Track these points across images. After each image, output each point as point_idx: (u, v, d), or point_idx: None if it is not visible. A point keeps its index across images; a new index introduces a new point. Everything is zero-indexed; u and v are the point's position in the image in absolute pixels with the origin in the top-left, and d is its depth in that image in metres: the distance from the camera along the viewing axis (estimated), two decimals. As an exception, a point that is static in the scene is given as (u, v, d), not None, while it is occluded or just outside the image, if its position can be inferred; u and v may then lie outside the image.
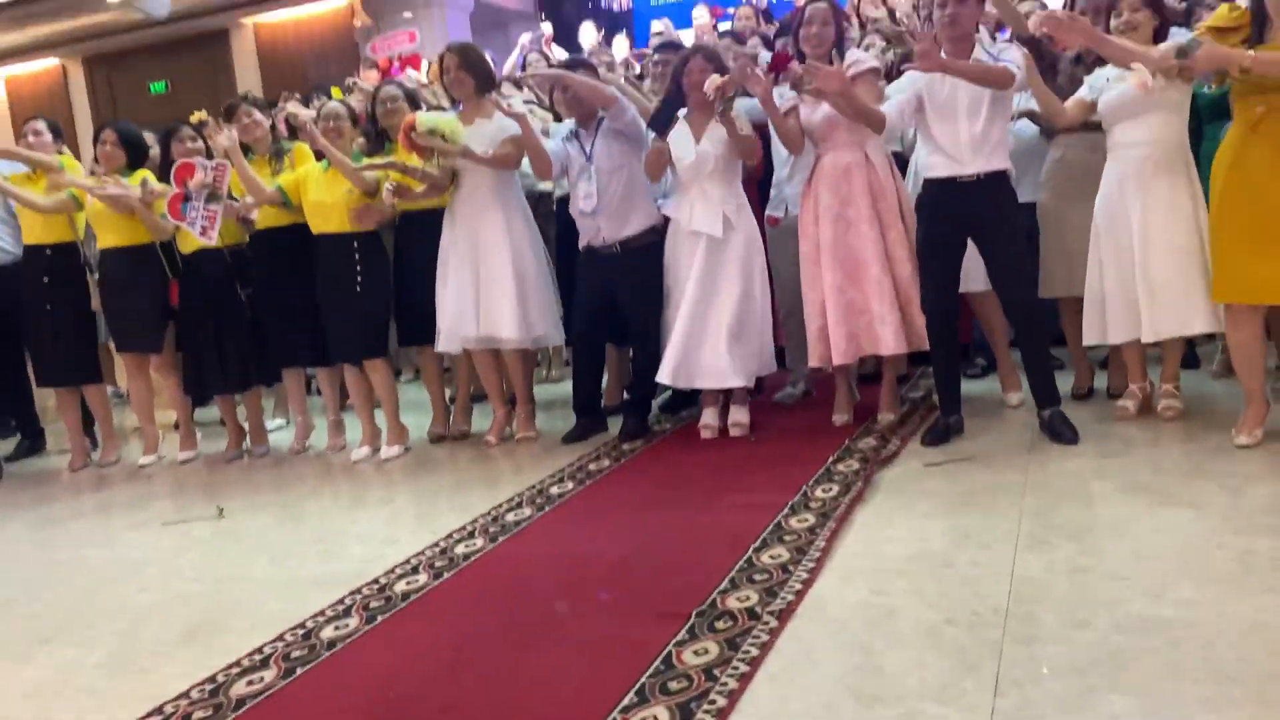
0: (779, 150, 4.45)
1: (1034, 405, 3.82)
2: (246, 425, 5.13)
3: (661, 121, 4.19)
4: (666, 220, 4.39)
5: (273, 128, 4.94)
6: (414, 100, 4.80)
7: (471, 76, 4.45)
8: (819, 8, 4.02)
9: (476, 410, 5.05)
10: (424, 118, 4.28)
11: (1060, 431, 3.66)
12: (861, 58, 4.08)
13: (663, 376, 4.24)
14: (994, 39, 4.11)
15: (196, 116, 4.78)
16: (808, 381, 4.75)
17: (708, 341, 4.15)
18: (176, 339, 5.00)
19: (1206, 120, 4.05)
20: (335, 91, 5.74)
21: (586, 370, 4.61)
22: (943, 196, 3.76)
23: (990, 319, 4.27)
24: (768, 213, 4.59)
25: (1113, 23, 3.70)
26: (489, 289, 4.42)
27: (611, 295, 4.39)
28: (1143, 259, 3.63)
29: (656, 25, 7.56)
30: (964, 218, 3.75)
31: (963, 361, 4.68)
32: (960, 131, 3.69)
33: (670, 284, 4.29)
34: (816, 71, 3.69)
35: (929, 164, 3.83)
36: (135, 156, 4.97)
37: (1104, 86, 3.74)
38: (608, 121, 4.32)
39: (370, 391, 4.79)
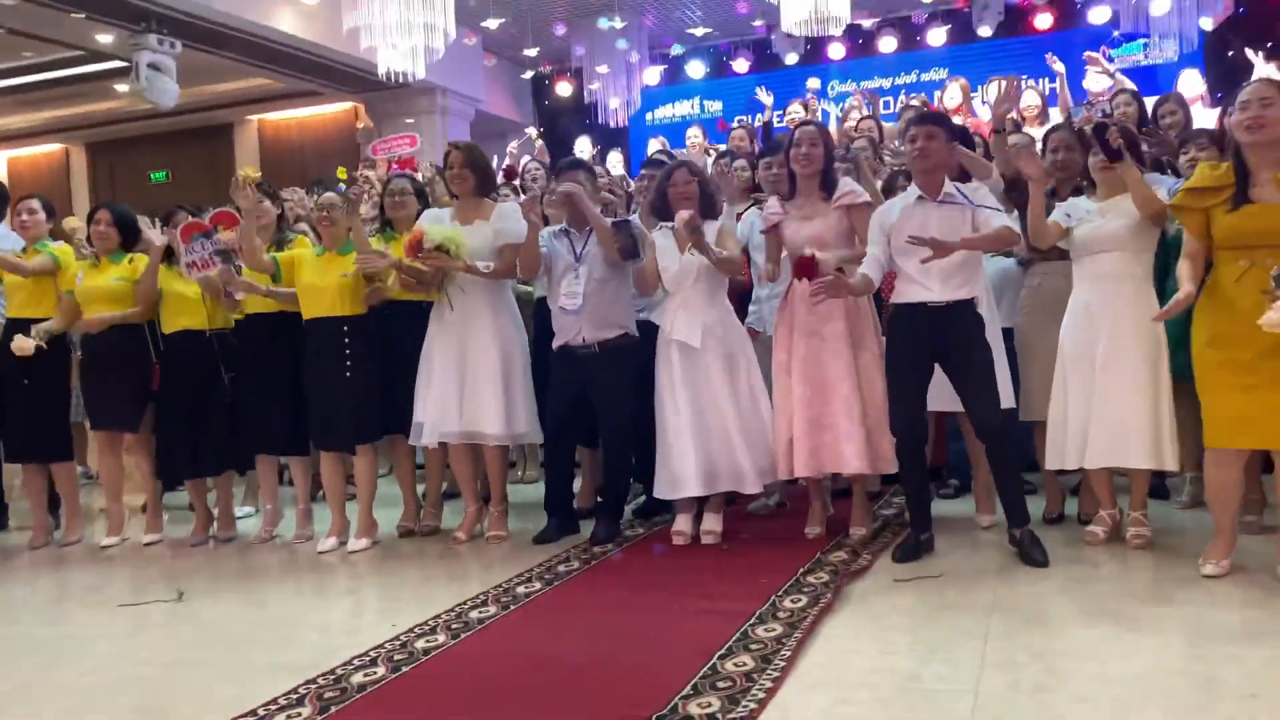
0: (759, 265, 4.55)
1: (1005, 526, 3.83)
2: (216, 511, 5.08)
3: (628, 249, 4.28)
4: (642, 325, 4.46)
5: (280, 216, 5.02)
6: (422, 195, 4.91)
7: (474, 175, 4.56)
8: (808, 130, 4.17)
9: (447, 507, 5.02)
10: (432, 232, 4.33)
11: (1030, 553, 3.67)
12: (856, 189, 4.18)
13: (662, 491, 4.23)
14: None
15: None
16: (782, 493, 4.76)
17: (709, 448, 4.16)
18: (152, 420, 4.98)
19: (1175, 257, 4.15)
20: (341, 171, 5.84)
21: (559, 470, 4.60)
22: (911, 320, 3.82)
23: (973, 438, 4.27)
24: (746, 324, 4.66)
25: (1091, 160, 3.85)
26: (475, 386, 4.44)
27: (585, 396, 4.42)
28: (1104, 390, 3.71)
29: (653, 144, 7.82)
30: (931, 341, 3.80)
31: (935, 482, 4.72)
32: (931, 264, 3.72)
33: (658, 391, 4.31)
34: (826, 287, 3.69)
35: (898, 291, 3.90)
36: (128, 238, 5.03)
37: (1082, 218, 3.86)
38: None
39: (343, 483, 4.76)
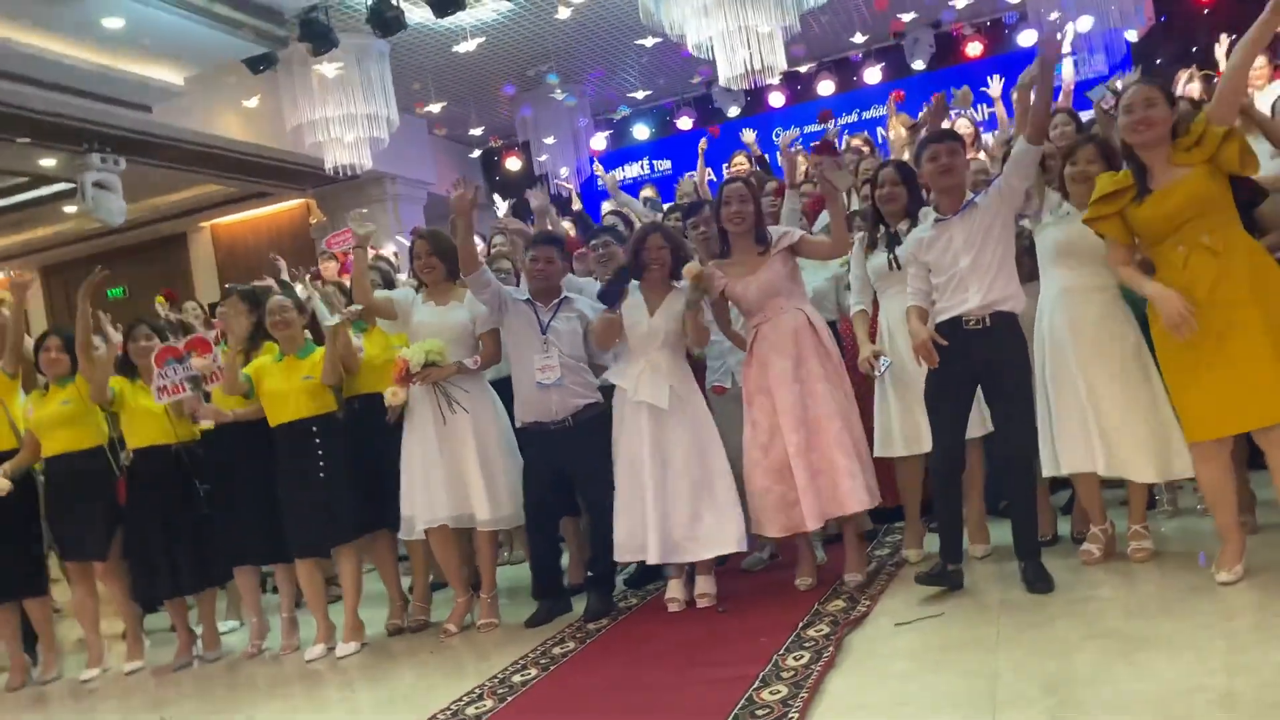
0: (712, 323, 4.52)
1: (997, 558, 3.77)
2: (199, 629, 4.93)
3: (613, 295, 4.27)
4: (604, 391, 4.42)
5: (256, 324, 4.93)
6: (301, 307, 4.79)
7: (443, 263, 4.52)
8: (735, 188, 4.17)
9: (435, 598, 4.89)
10: (414, 356, 4.29)
11: (1035, 582, 3.61)
12: (789, 230, 4.21)
13: (650, 556, 4.12)
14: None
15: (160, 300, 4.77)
16: (773, 545, 4.68)
17: (686, 511, 4.10)
18: (123, 543, 4.85)
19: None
20: (159, 299, 5.95)
21: (544, 550, 4.50)
22: (951, 341, 3.69)
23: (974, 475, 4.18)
24: (714, 382, 4.62)
25: (1066, 170, 3.84)
26: (460, 472, 4.36)
27: (561, 470, 4.34)
28: (1097, 402, 3.67)
29: (606, 206, 7.79)
30: (973, 364, 3.69)
31: (925, 516, 4.65)
32: (960, 263, 3.66)
33: (617, 455, 4.26)
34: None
35: (937, 309, 3.78)
36: (76, 360, 4.93)
37: (1057, 219, 3.83)
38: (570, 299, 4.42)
39: (324, 587, 4.65)
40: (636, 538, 4.14)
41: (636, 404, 4.18)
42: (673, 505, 4.11)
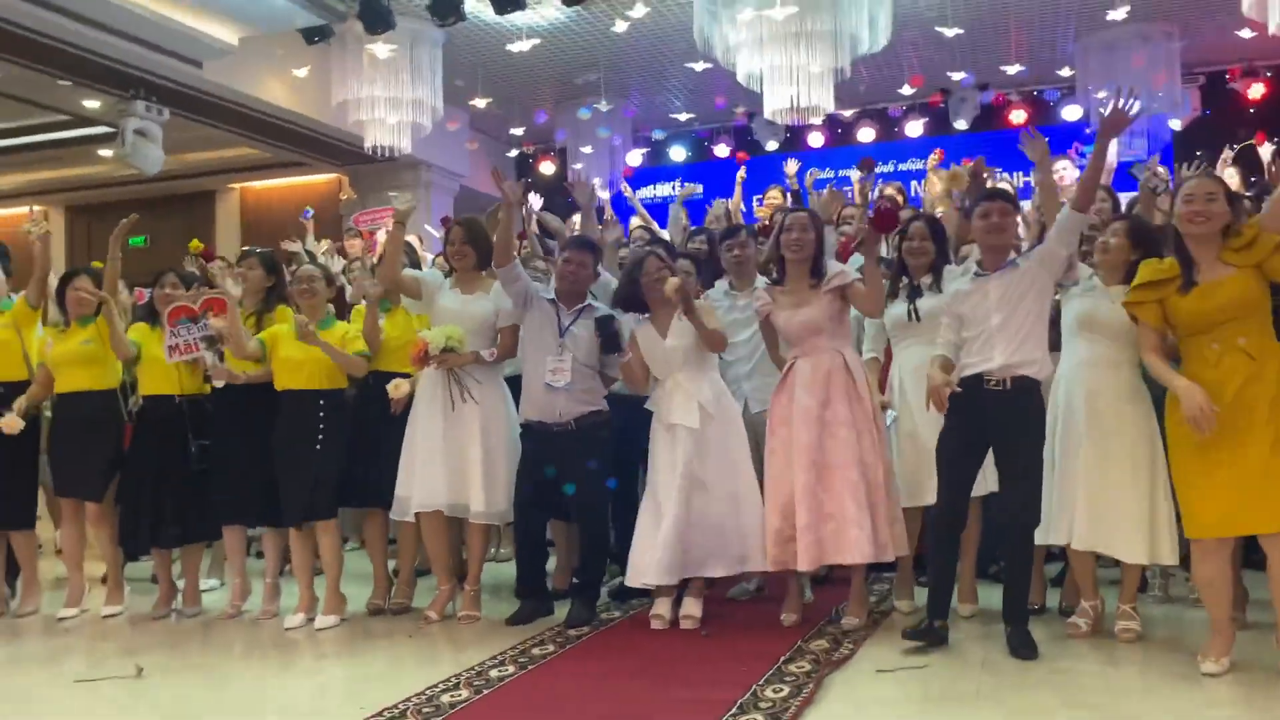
0: (738, 345, 4.54)
1: (983, 619, 3.77)
2: (181, 583, 4.93)
3: (612, 342, 4.35)
4: (612, 399, 4.43)
5: (270, 289, 4.94)
6: (330, 279, 4.85)
7: (475, 251, 4.55)
8: (799, 216, 4.16)
9: (420, 584, 4.90)
10: (434, 339, 4.32)
11: (1019, 647, 3.61)
12: (844, 269, 4.17)
13: (652, 577, 4.11)
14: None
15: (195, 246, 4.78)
16: (761, 578, 4.68)
17: (699, 533, 4.09)
18: (117, 488, 4.86)
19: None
20: (194, 244, 5.94)
21: (531, 548, 4.50)
22: (970, 399, 3.68)
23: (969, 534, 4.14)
24: None
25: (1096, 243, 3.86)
26: (461, 462, 4.37)
27: (558, 472, 4.33)
28: (1100, 477, 3.69)
29: (634, 221, 7.81)
30: (989, 424, 3.69)
31: (915, 570, 4.64)
32: (991, 320, 3.68)
33: (651, 476, 4.26)
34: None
35: (962, 365, 3.77)
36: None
37: (1085, 291, 3.85)
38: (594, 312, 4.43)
39: (312, 557, 4.65)
40: (650, 562, 4.12)
41: (669, 425, 4.19)
42: (698, 523, 4.09)
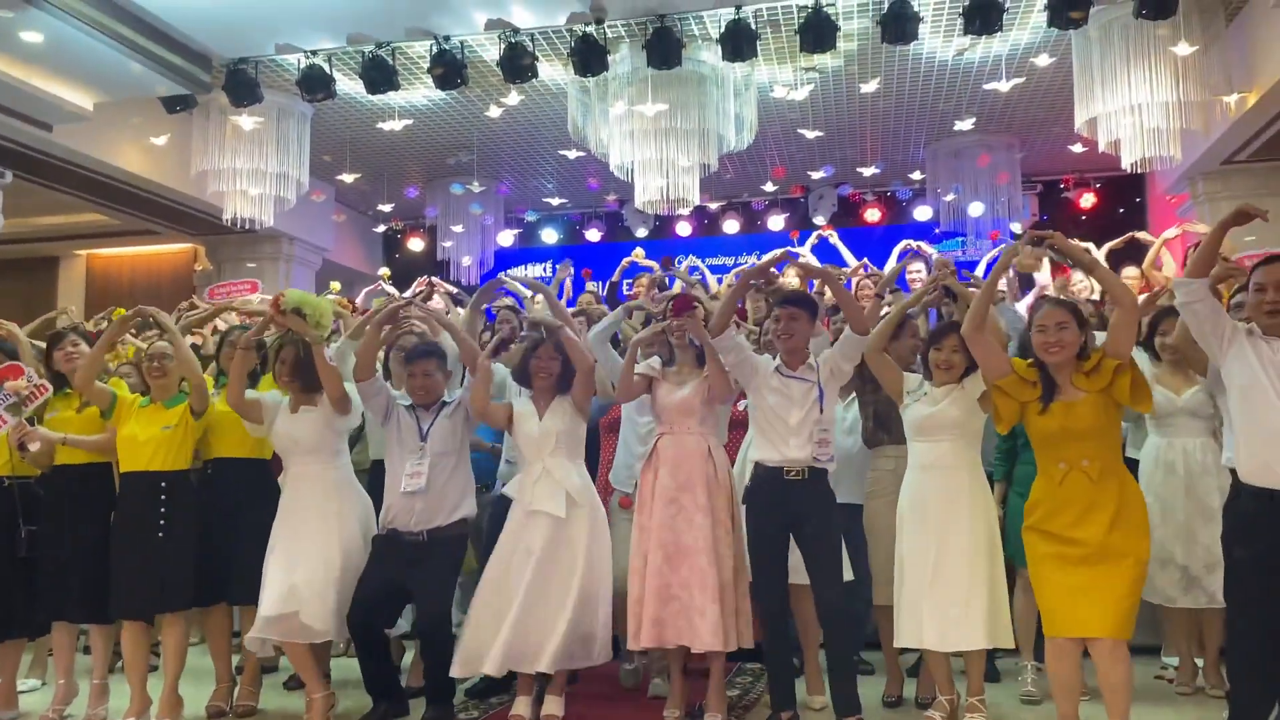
0: (635, 430, 4.51)
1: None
2: (-5, 684, 4.52)
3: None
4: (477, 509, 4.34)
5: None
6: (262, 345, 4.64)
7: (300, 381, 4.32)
8: (683, 296, 4.20)
9: (265, 683, 4.61)
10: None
11: None
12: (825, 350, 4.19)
13: (488, 667, 3.97)
14: None
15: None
16: (640, 664, 4.57)
17: (546, 624, 3.97)
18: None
19: (1023, 444, 4.21)
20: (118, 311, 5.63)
21: (374, 657, 4.22)
22: (770, 487, 3.85)
23: (806, 616, 4.22)
24: (621, 491, 4.55)
25: (931, 355, 3.95)
26: (308, 575, 4.09)
27: (403, 583, 4.14)
28: (942, 576, 3.79)
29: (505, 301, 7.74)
30: (786, 512, 3.83)
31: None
32: (791, 419, 3.86)
33: (496, 562, 4.14)
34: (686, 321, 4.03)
35: (759, 450, 3.95)
36: None
37: (919, 399, 3.95)
38: (459, 402, 4.32)
39: (147, 655, 4.34)
40: (481, 650, 3.99)
41: (530, 513, 4.10)
42: (541, 612, 3.98)
